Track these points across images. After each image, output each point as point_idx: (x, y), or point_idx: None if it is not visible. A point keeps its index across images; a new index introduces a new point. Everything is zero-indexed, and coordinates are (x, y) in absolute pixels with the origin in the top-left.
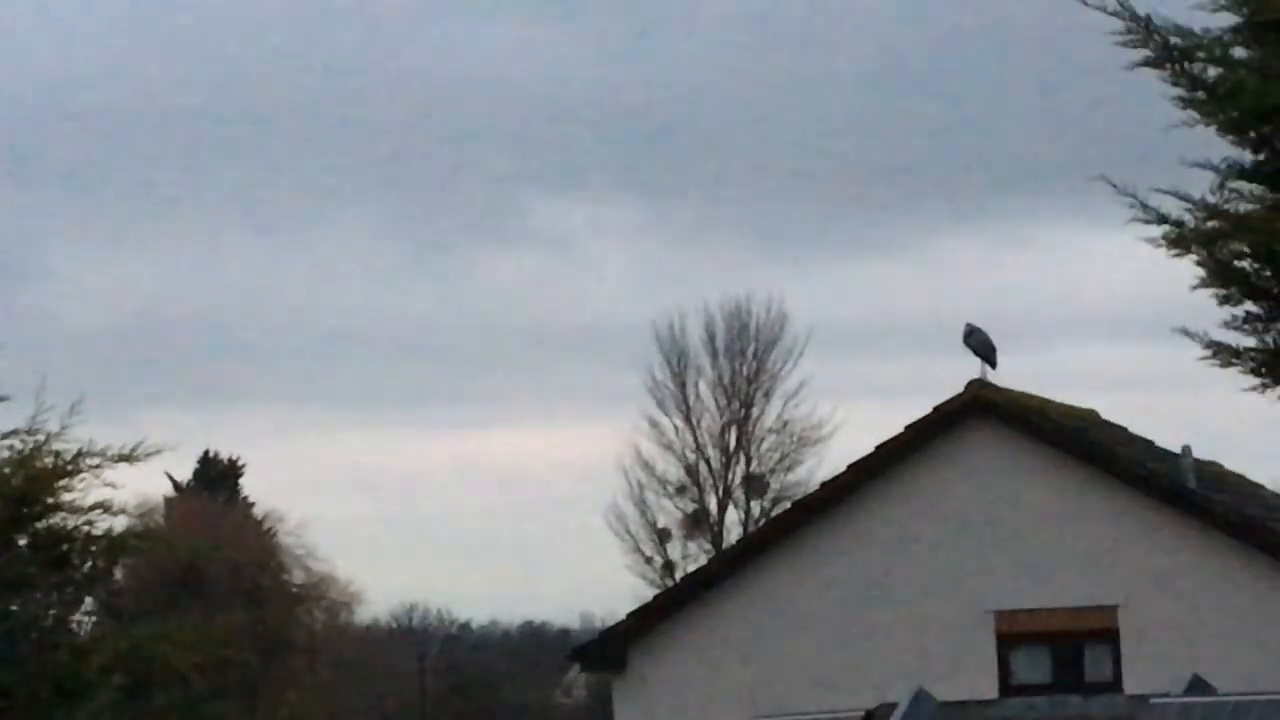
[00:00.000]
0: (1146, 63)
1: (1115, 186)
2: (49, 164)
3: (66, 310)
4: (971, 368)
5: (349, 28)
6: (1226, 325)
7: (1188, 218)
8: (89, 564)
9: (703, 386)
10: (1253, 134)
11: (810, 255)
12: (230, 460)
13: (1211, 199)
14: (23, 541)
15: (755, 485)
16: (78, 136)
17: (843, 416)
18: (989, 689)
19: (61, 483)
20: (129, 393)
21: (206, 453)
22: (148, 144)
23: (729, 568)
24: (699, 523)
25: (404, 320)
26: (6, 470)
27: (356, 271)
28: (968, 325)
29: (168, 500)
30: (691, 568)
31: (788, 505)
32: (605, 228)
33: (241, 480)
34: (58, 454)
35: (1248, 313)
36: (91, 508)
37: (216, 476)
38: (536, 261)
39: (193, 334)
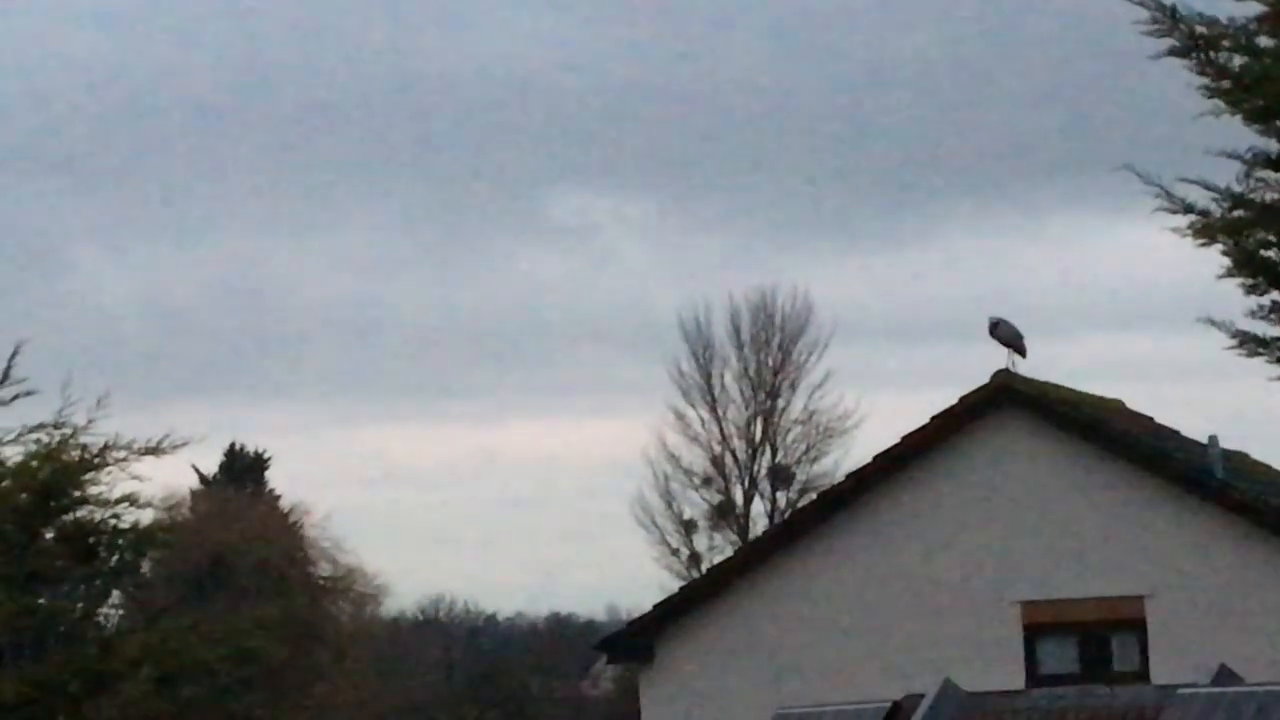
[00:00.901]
0: (1172, 52)
1: (1141, 176)
2: (71, 158)
3: (91, 305)
4: (998, 358)
5: (371, 19)
6: (1253, 315)
7: (1214, 207)
8: (116, 557)
9: (728, 378)
10: (1278, 123)
11: (834, 247)
12: (256, 453)
13: (1238, 188)
14: (50, 534)
15: (781, 476)
16: (100, 130)
17: (868, 407)
18: (1016, 680)
19: (88, 476)
20: (155, 386)
21: (233, 445)
22: (169, 136)
23: (755, 559)
24: (725, 514)
25: (427, 312)
26: (34, 463)
27: (380, 264)
28: (992, 319)
29: (194, 493)
30: (717, 559)
31: (814, 496)
32: (626, 220)
33: (268, 473)
34: (84, 447)
35: (1274, 302)
36: (118, 501)
37: (243, 469)
38: (558, 253)
39: (217, 327)
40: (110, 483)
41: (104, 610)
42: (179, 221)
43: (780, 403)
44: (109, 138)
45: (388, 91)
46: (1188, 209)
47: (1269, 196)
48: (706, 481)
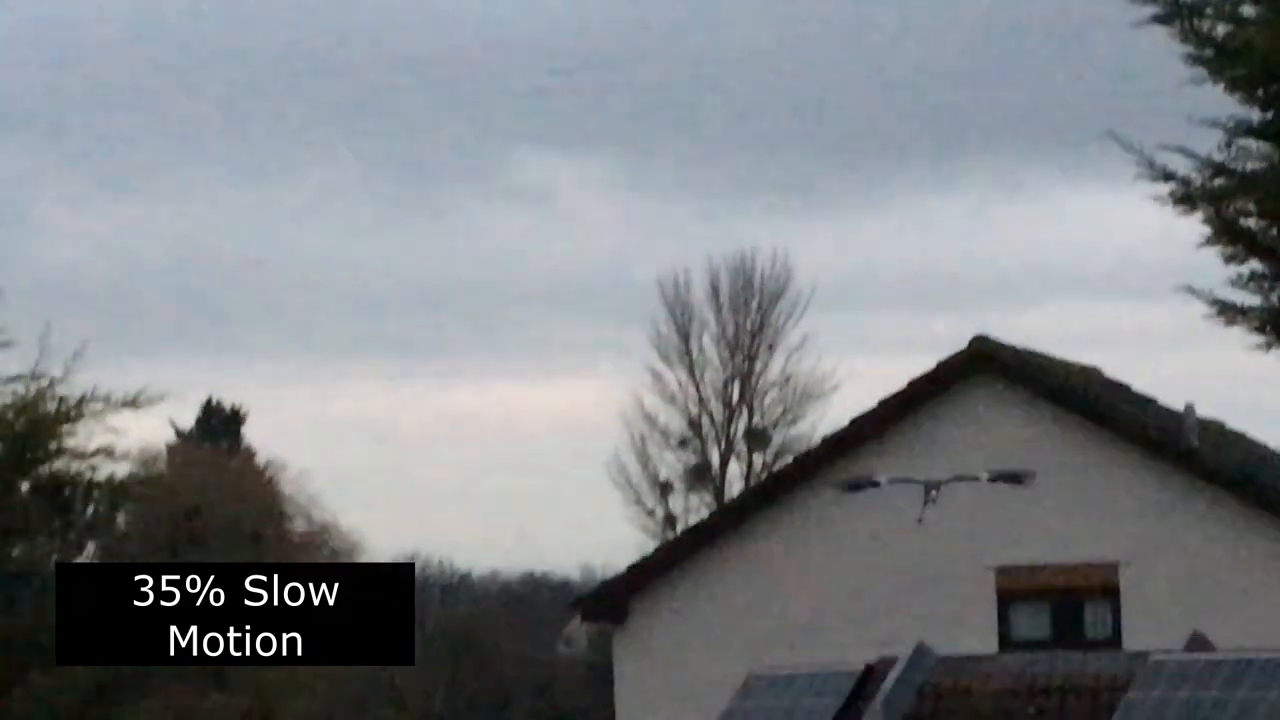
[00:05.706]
0: (1155, 19)
1: (1122, 143)
2: (35, 114)
3: (62, 259)
4: (974, 324)
5: None
6: (1232, 283)
7: (1195, 175)
8: (91, 510)
9: (706, 340)
10: (1261, 92)
11: (810, 210)
12: (233, 408)
13: (1219, 157)
14: (25, 486)
15: (757, 439)
16: (61, 84)
17: (846, 371)
18: (989, 645)
19: (64, 428)
20: (131, 340)
21: (209, 400)
22: (132, 92)
23: (730, 521)
24: (701, 476)
25: (398, 271)
26: (9, 414)
27: (348, 221)
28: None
29: (170, 448)
30: (693, 521)
31: (790, 459)
32: (593, 181)
33: (244, 428)
34: (61, 399)
35: (1253, 271)
36: (94, 453)
37: (219, 424)
38: (527, 214)
39: (192, 282)
40: (87, 435)
41: (78, 563)
42: (142, 177)
43: (758, 365)
44: (72, 93)
45: (348, 50)
46: (1168, 177)
47: (1250, 165)
48: (683, 443)
